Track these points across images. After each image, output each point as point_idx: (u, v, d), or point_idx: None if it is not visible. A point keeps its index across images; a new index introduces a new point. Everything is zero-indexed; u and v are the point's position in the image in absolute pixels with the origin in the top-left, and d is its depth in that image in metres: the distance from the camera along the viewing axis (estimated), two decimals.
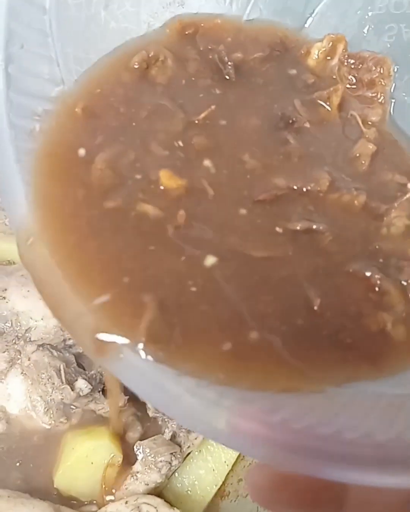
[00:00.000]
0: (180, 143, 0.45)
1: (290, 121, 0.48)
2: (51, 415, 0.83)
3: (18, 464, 0.82)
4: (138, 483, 0.79)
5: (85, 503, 0.80)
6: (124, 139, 0.44)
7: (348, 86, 0.52)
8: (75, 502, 0.80)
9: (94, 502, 0.80)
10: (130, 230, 0.39)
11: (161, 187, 0.41)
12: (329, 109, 0.50)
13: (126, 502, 0.74)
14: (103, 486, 0.79)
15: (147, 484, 0.78)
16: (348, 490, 0.37)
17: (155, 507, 0.73)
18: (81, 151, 0.42)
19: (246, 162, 0.44)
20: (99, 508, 0.79)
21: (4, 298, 0.87)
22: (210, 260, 0.38)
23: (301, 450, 0.31)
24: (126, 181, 0.42)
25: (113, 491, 0.79)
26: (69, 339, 0.88)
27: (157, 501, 0.74)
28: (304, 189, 0.44)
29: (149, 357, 0.33)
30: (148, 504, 0.73)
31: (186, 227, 0.40)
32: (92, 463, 0.78)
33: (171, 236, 0.39)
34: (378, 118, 0.51)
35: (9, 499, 0.74)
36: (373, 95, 0.52)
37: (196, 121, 0.46)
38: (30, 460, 0.82)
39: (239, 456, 0.84)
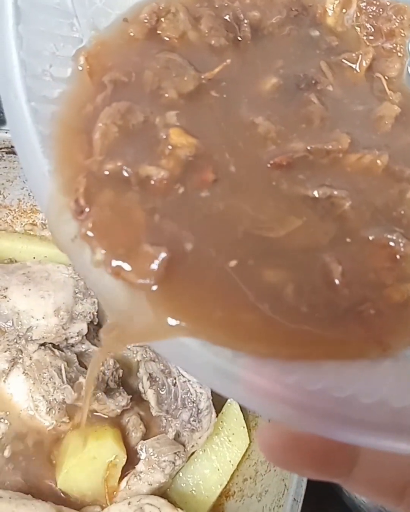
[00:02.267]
0: (191, 101, 0.43)
1: (313, 82, 0.46)
2: (53, 415, 0.82)
3: (19, 464, 0.81)
4: (141, 483, 0.78)
5: (88, 503, 0.79)
6: (132, 96, 0.42)
7: (365, 35, 0.51)
8: (78, 502, 0.78)
9: (97, 502, 0.79)
10: (134, 195, 0.38)
11: (170, 147, 0.39)
12: (357, 71, 0.48)
13: (129, 503, 0.73)
14: (107, 486, 0.78)
15: (151, 484, 0.77)
16: (360, 451, 0.38)
17: (158, 508, 0.72)
18: (89, 107, 0.41)
19: (259, 125, 0.42)
20: (102, 509, 0.78)
21: (5, 297, 0.86)
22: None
23: (315, 411, 0.31)
24: (133, 139, 0.40)
25: (115, 494, 0.78)
26: (71, 338, 0.87)
27: (161, 501, 0.73)
28: (323, 151, 0.41)
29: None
30: (151, 504, 0.72)
31: (194, 190, 0.38)
32: (95, 463, 0.77)
33: (178, 199, 0.38)
34: (396, 73, 0.49)
35: (11, 500, 0.73)
36: (392, 46, 0.50)
37: (208, 78, 0.44)
38: (32, 460, 0.81)
39: (244, 455, 0.83)
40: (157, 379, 0.83)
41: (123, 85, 0.43)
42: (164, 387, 0.83)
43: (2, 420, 0.82)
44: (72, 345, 0.88)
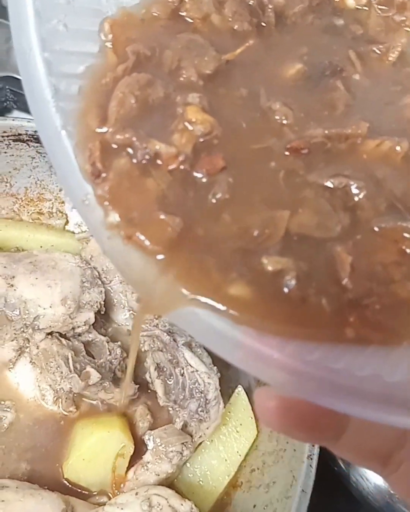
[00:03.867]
0: (210, 83, 0.42)
1: (338, 70, 0.45)
2: (61, 404, 0.82)
3: (26, 453, 0.80)
4: (149, 473, 0.77)
5: (95, 493, 0.78)
6: (153, 71, 0.42)
7: (377, 6, 0.50)
8: (84, 492, 0.78)
9: (104, 492, 0.78)
10: (144, 167, 0.38)
11: (185, 122, 0.39)
12: (386, 62, 0.47)
13: (136, 493, 0.72)
14: (114, 476, 0.78)
15: (158, 475, 0.77)
16: (349, 418, 0.40)
17: (166, 499, 0.71)
18: (109, 76, 0.41)
19: (277, 111, 0.42)
20: (109, 499, 0.77)
21: (12, 285, 0.85)
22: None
23: (310, 379, 0.32)
24: (149, 112, 0.40)
25: (123, 484, 0.78)
26: (78, 327, 0.86)
27: (168, 492, 0.72)
28: (342, 135, 0.41)
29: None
30: (159, 495, 0.72)
31: (206, 173, 0.38)
32: (102, 453, 0.77)
33: (186, 179, 0.38)
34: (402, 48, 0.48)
35: (18, 490, 0.72)
36: (402, 19, 0.50)
37: (229, 59, 0.44)
38: (38, 450, 0.81)
39: (251, 445, 0.82)
40: (165, 369, 0.83)
41: (146, 59, 0.43)
42: (172, 377, 0.82)
43: (8, 409, 0.82)
44: (79, 335, 0.87)
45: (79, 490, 0.78)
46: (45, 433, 0.82)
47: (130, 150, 0.38)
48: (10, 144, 0.96)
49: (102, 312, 0.90)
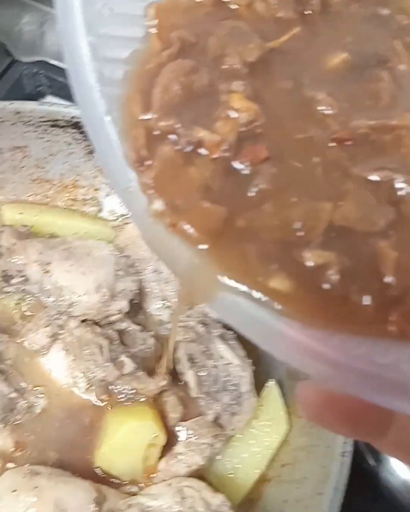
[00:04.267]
0: (254, 71, 0.42)
1: (384, 60, 0.44)
2: (93, 393, 0.82)
3: (57, 441, 0.80)
4: (180, 464, 0.77)
5: (125, 483, 0.79)
6: (197, 57, 0.41)
7: None
8: (115, 481, 0.78)
9: (135, 482, 0.78)
10: (189, 155, 0.37)
11: (229, 110, 0.38)
12: None
13: (169, 484, 0.72)
14: (145, 466, 0.77)
15: (189, 466, 0.77)
16: (394, 414, 0.39)
17: (198, 491, 0.71)
18: (153, 62, 0.40)
19: (321, 101, 0.41)
20: (140, 489, 0.78)
21: (48, 272, 0.85)
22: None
23: (355, 373, 0.32)
24: (193, 100, 0.39)
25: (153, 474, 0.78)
26: (112, 315, 0.86)
27: (201, 484, 0.72)
28: (387, 127, 0.40)
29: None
30: (191, 487, 0.72)
31: (249, 162, 0.38)
32: (134, 442, 0.77)
33: (229, 168, 0.37)
34: None
35: (50, 476, 0.73)
36: None
37: (274, 47, 0.43)
38: (69, 437, 0.81)
39: (282, 441, 0.82)
40: (197, 361, 0.82)
41: (190, 45, 0.42)
42: (204, 369, 0.81)
43: (41, 395, 0.82)
44: (113, 323, 0.87)
45: (110, 479, 0.78)
46: (77, 421, 0.82)
47: (173, 138, 0.38)
48: (47, 130, 0.96)
49: (136, 301, 0.90)
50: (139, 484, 0.78)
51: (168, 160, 0.37)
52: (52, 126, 0.95)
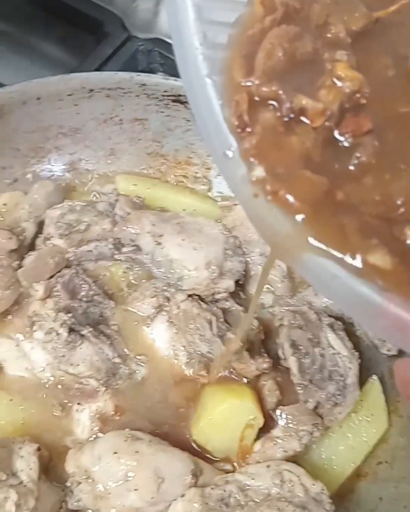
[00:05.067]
0: (358, 41, 0.41)
1: None
2: (193, 366, 0.82)
3: (155, 410, 0.81)
4: (276, 448, 0.76)
5: (218, 459, 0.79)
6: (301, 24, 0.40)
7: None
8: (209, 456, 0.78)
9: (228, 460, 0.78)
10: (289, 122, 0.37)
11: (334, 78, 0.37)
12: None
13: (268, 466, 0.72)
14: (240, 446, 0.77)
15: (286, 451, 0.76)
16: None
17: (298, 476, 0.70)
18: (256, 27, 0.40)
19: None
20: (233, 467, 0.77)
21: (160, 244, 0.86)
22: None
23: None
24: (296, 67, 0.38)
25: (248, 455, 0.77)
26: (218, 293, 0.86)
27: (300, 470, 0.72)
28: None
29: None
30: (290, 471, 0.71)
31: (351, 133, 0.37)
32: (232, 421, 0.77)
33: (330, 139, 0.37)
34: None
35: (151, 443, 0.73)
36: None
37: (381, 16, 0.42)
38: (167, 408, 0.82)
39: (381, 438, 0.80)
40: (301, 347, 0.81)
41: (294, 12, 0.41)
42: (307, 356, 0.80)
43: (142, 363, 0.83)
44: (217, 301, 0.87)
45: (203, 454, 0.78)
46: (174, 393, 0.82)
47: (274, 104, 0.37)
48: (168, 104, 0.96)
49: (241, 282, 0.90)
50: (232, 463, 0.78)
51: (270, 127, 0.37)
52: (174, 101, 0.96)
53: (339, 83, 0.37)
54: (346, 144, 0.37)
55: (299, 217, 0.35)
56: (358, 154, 0.37)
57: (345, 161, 0.37)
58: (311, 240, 0.34)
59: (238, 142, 0.37)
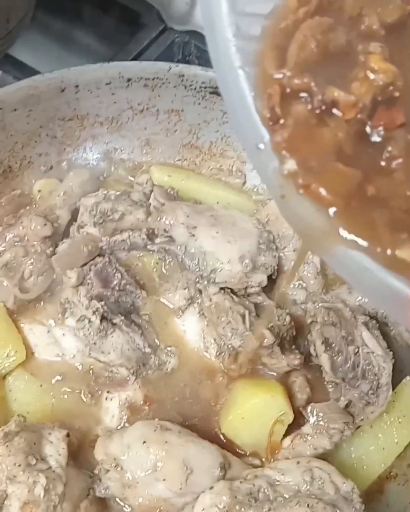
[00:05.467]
0: (392, 34, 0.40)
1: None
2: (222, 360, 0.81)
3: (184, 401, 0.81)
4: (306, 445, 0.76)
5: (246, 454, 0.78)
6: (334, 16, 0.40)
7: None
8: (237, 450, 0.78)
9: (257, 455, 0.77)
10: (321, 115, 0.37)
11: (367, 71, 0.37)
12: None
13: (297, 462, 0.71)
14: (270, 441, 0.76)
15: (316, 449, 0.75)
16: None
17: (328, 474, 0.70)
18: (290, 19, 0.40)
19: None
20: (261, 462, 0.77)
21: (193, 235, 0.85)
22: None
23: None
24: (329, 59, 0.38)
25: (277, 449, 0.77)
26: (251, 287, 0.85)
27: (331, 468, 0.71)
28: None
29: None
30: (321, 469, 0.70)
31: (383, 127, 0.37)
32: (262, 416, 0.76)
33: (362, 132, 0.37)
34: None
35: (180, 434, 0.73)
36: None
37: None
38: (196, 400, 0.81)
39: None
40: (333, 345, 0.80)
41: (328, 3, 0.41)
42: (340, 354, 0.79)
43: (173, 355, 0.82)
44: (250, 295, 0.86)
45: (231, 448, 0.78)
46: (204, 385, 0.82)
47: (306, 96, 0.37)
48: (206, 96, 0.96)
49: (274, 277, 0.89)
50: (261, 458, 0.77)
51: (302, 119, 0.37)
52: (212, 93, 0.95)
53: (372, 76, 0.37)
54: (377, 138, 0.37)
55: (331, 210, 0.35)
56: (389, 148, 0.36)
57: (376, 155, 0.37)
58: (343, 233, 0.35)
59: (270, 135, 0.37)
